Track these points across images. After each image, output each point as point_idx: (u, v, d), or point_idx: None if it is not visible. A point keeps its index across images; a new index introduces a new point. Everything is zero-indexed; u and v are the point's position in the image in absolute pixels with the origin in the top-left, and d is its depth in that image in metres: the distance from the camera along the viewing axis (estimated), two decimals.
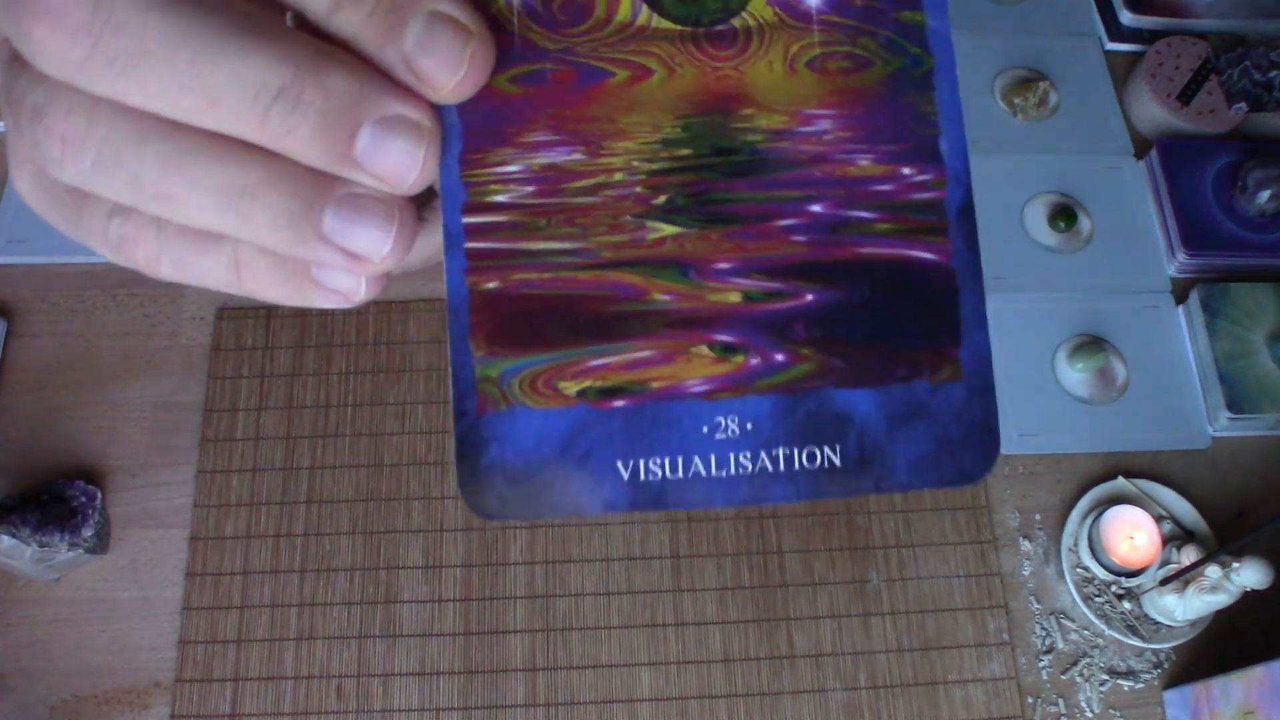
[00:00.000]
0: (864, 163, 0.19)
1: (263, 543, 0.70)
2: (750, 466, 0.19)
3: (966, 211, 0.19)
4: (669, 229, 0.19)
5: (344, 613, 0.69)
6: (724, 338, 0.19)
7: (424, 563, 0.70)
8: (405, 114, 0.17)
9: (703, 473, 0.19)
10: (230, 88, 0.15)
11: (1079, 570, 0.70)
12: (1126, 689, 0.68)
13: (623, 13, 0.19)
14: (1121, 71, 0.90)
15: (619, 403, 0.19)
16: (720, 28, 0.19)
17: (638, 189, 0.19)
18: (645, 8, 0.19)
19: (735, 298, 0.19)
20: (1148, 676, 0.68)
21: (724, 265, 0.19)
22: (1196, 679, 0.65)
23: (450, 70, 0.17)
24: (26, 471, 0.71)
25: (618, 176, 0.19)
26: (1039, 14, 0.92)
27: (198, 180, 0.16)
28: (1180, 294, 0.80)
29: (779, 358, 0.19)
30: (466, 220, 0.19)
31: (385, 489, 0.72)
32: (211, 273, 0.18)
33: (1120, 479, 0.73)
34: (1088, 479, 0.74)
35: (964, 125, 0.20)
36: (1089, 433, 0.75)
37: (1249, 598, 0.62)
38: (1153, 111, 0.86)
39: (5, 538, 0.62)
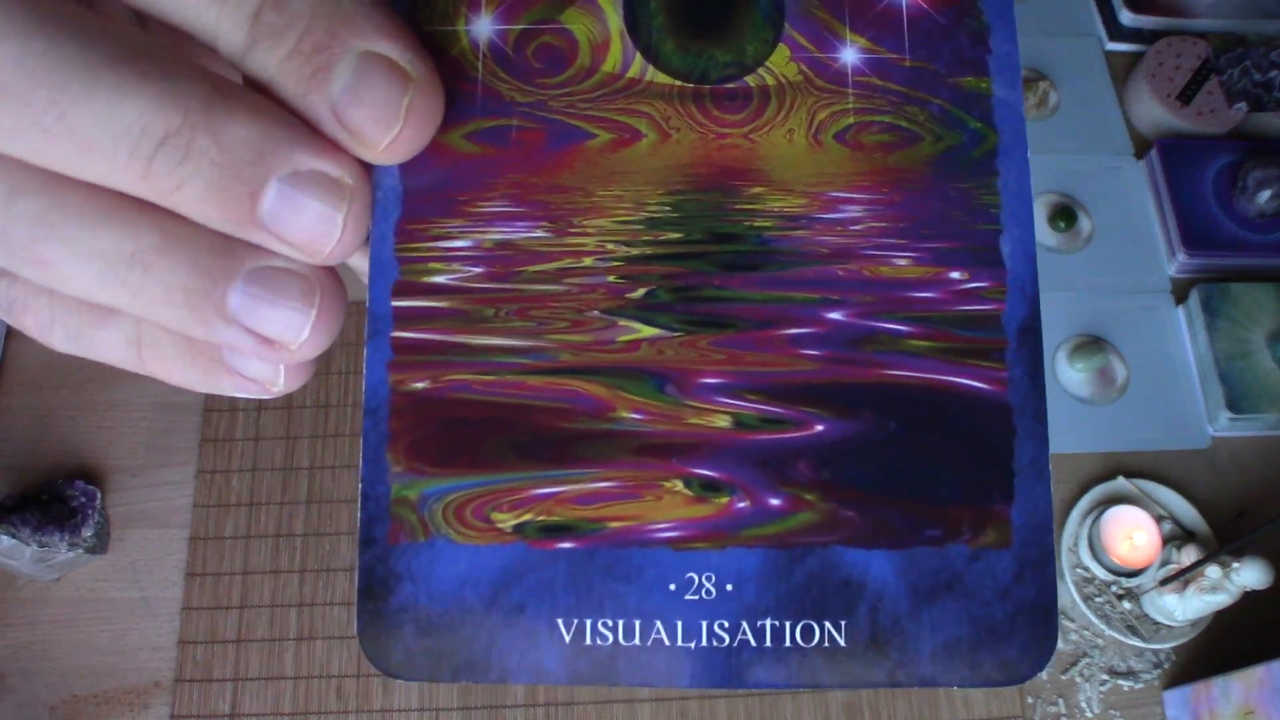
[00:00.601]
0: (901, 262, 0.16)
1: (262, 543, 0.70)
2: (727, 639, 0.15)
3: (1029, 332, 0.16)
4: (646, 330, 0.16)
5: (344, 613, 0.69)
6: (705, 472, 0.15)
7: None
8: (320, 169, 0.14)
9: (665, 642, 0.15)
10: (102, 133, 0.13)
11: (1079, 570, 0.70)
12: (1126, 689, 0.68)
13: (611, 62, 0.16)
14: (1121, 71, 0.90)
15: (566, 544, 0.15)
16: (730, 86, 0.16)
17: (610, 278, 0.16)
18: (640, 57, 0.16)
19: (723, 423, 0.15)
20: (1148, 676, 0.68)
21: (712, 381, 0.16)
22: (1196, 679, 0.65)
23: (383, 125, 0.14)
24: (26, 471, 0.71)
25: (587, 261, 0.16)
26: (1039, 14, 0.92)
27: (77, 244, 0.14)
28: (1180, 294, 0.80)
29: (774, 503, 0.15)
30: (396, 304, 0.16)
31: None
32: (109, 349, 0.16)
33: (1120, 479, 0.73)
34: (1088, 479, 0.74)
35: (1032, 225, 0.16)
36: (1089, 433, 0.75)
37: (1249, 598, 0.62)
38: (1153, 111, 0.86)
39: (5, 538, 0.62)
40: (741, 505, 0.15)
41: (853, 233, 0.16)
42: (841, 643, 0.15)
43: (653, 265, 0.16)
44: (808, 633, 0.15)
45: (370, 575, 0.15)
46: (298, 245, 0.14)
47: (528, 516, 0.15)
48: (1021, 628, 0.15)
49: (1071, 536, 0.71)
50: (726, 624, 0.15)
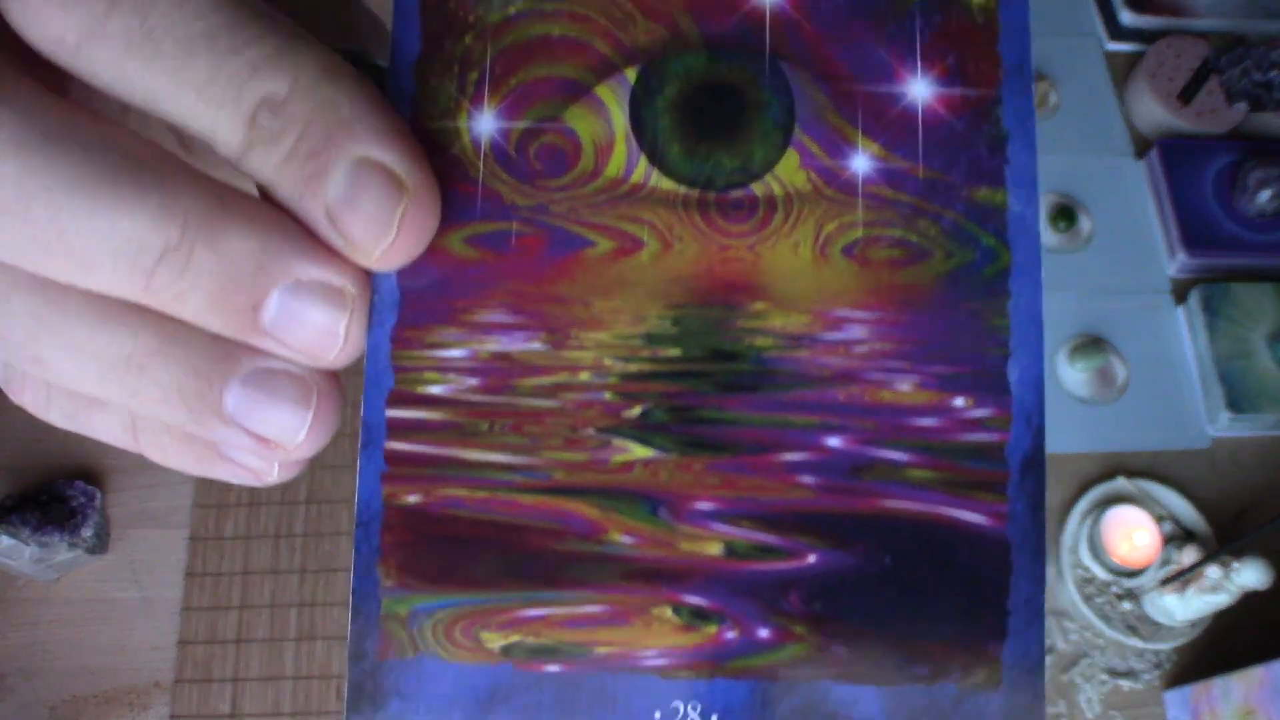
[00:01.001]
0: (904, 387, 0.15)
1: (262, 543, 0.70)
2: None
3: (1033, 465, 0.15)
4: (640, 451, 0.15)
5: (344, 613, 0.69)
6: (695, 600, 0.15)
7: None
8: (322, 278, 0.14)
9: None
10: (102, 249, 0.13)
11: (1079, 570, 0.70)
12: (1126, 689, 0.68)
13: (615, 166, 0.16)
14: (1121, 71, 0.90)
15: (552, 668, 0.15)
16: (736, 194, 0.16)
17: (606, 395, 0.15)
18: (644, 161, 0.16)
19: (715, 550, 0.15)
20: (1148, 676, 0.68)
21: (705, 506, 0.15)
22: (1196, 679, 0.65)
23: (377, 233, 0.14)
24: (26, 471, 0.71)
25: (584, 377, 0.15)
26: (1039, 14, 0.92)
27: (74, 345, 0.13)
28: (1180, 294, 0.80)
29: (764, 634, 0.15)
30: (391, 414, 0.15)
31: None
32: (105, 431, 0.15)
33: (1120, 479, 0.73)
34: (1088, 479, 0.74)
35: (1043, 349, 0.15)
36: (1089, 433, 0.75)
37: (1249, 598, 0.62)
38: (1153, 111, 0.86)
39: (5, 538, 0.62)
40: (730, 635, 0.15)
41: (856, 354, 0.15)
42: None
43: (650, 383, 0.15)
44: None
45: (359, 690, 0.15)
46: (300, 352, 0.14)
47: (516, 638, 0.15)
48: None
49: (1071, 536, 0.71)
50: None
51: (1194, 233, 0.80)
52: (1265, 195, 0.80)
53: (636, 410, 0.15)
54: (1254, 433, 0.76)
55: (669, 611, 0.15)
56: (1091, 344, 0.76)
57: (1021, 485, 0.15)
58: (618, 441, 0.15)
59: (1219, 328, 0.76)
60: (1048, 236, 0.81)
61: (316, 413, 0.15)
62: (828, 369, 0.15)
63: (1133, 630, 0.68)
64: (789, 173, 0.16)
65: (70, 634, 0.67)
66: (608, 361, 0.15)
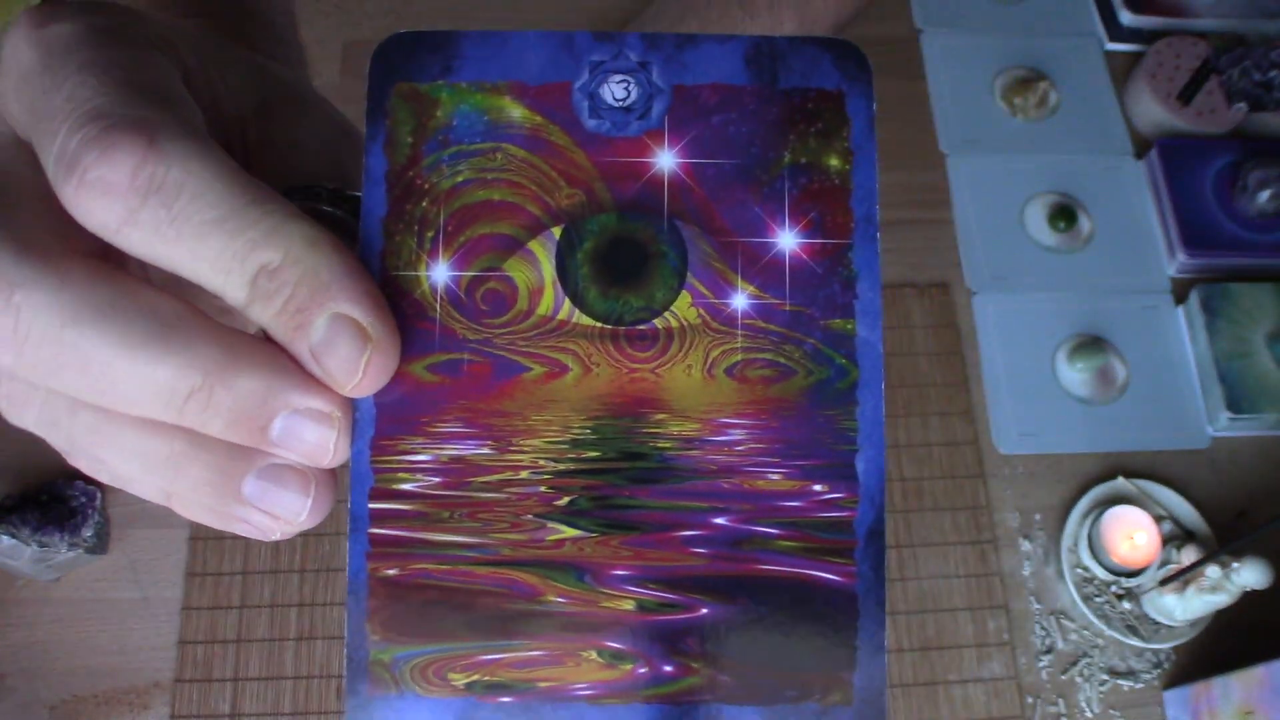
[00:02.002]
0: (774, 477, 0.19)
1: (262, 543, 0.70)
2: None
3: (875, 534, 0.19)
4: (569, 531, 0.19)
5: (344, 613, 0.69)
6: (614, 645, 0.19)
7: None
8: (315, 406, 0.18)
9: None
10: (142, 392, 0.17)
11: (1079, 570, 0.70)
12: (1126, 689, 0.68)
13: (545, 306, 0.19)
14: (1121, 71, 0.90)
15: (505, 699, 0.19)
16: (641, 328, 0.19)
17: (542, 489, 0.19)
18: (568, 302, 0.19)
19: (629, 606, 0.19)
20: (1148, 676, 0.68)
21: (621, 572, 0.19)
22: (1196, 679, 0.65)
23: (348, 372, 0.18)
24: (26, 471, 0.71)
25: (523, 474, 0.19)
26: (1039, 14, 0.92)
27: (125, 448, 0.18)
28: (1180, 294, 0.80)
29: (667, 669, 0.19)
30: (372, 506, 0.19)
31: None
32: (146, 494, 0.19)
33: (1120, 479, 0.73)
34: (1088, 479, 0.74)
35: (884, 444, 0.19)
36: (1089, 433, 0.75)
37: (1249, 598, 0.62)
38: (1153, 111, 0.86)
39: (5, 538, 0.62)
40: (642, 671, 0.19)
41: (737, 452, 0.19)
42: None
43: (575, 479, 0.19)
44: None
45: None
46: (301, 458, 0.18)
47: (476, 676, 0.19)
48: None
49: (1071, 536, 0.71)
50: None
51: (1194, 233, 0.80)
52: (1265, 195, 0.80)
53: (565, 500, 0.19)
54: (1254, 433, 0.76)
55: (595, 654, 0.19)
56: (1091, 344, 0.76)
57: (866, 550, 0.19)
58: (551, 524, 0.19)
59: (1219, 328, 0.76)
60: (1048, 236, 0.82)
61: (316, 497, 0.19)
62: (715, 464, 0.19)
63: (1133, 630, 0.68)
64: (683, 310, 0.20)
65: (70, 634, 0.67)
66: (542, 462, 0.19)
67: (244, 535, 0.19)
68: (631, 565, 0.19)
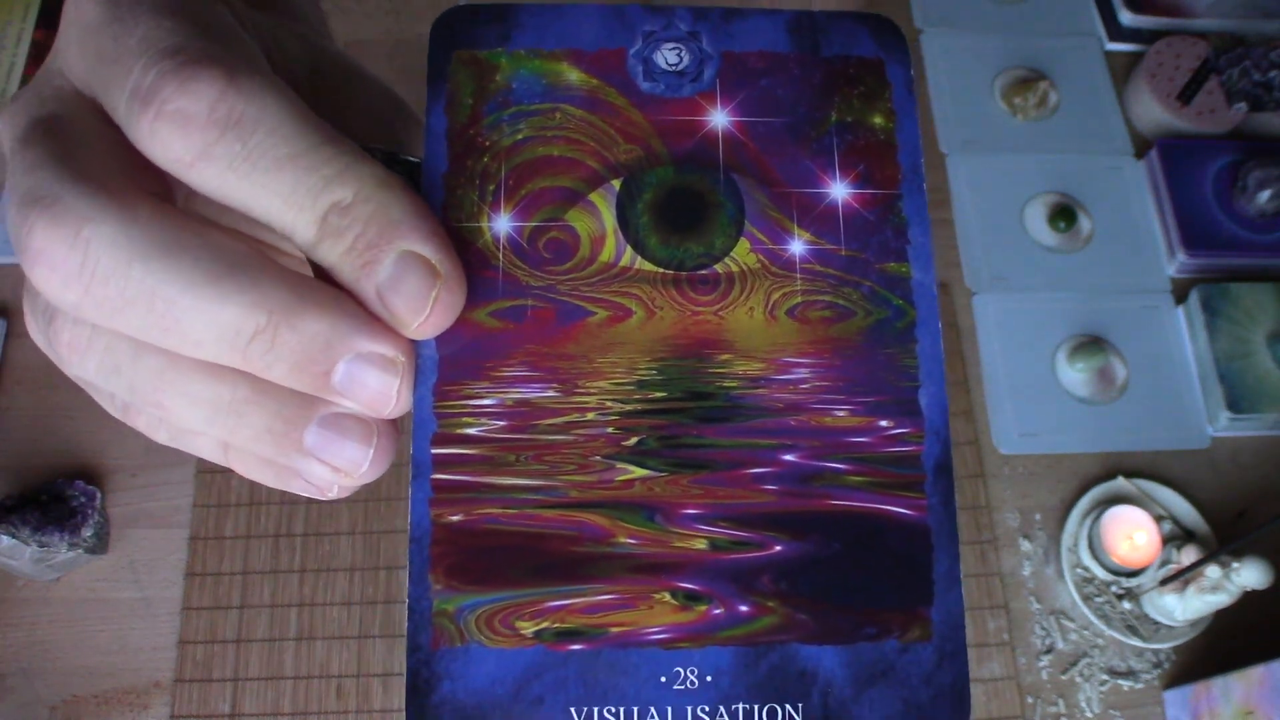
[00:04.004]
0: (840, 414, 0.19)
1: (262, 543, 0.70)
2: None
3: (944, 468, 0.19)
4: (638, 471, 0.19)
5: (344, 613, 0.69)
6: (688, 586, 0.19)
7: None
8: (379, 350, 0.18)
9: None
10: (208, 332, 0.16)
11: (1079, 570, 0.70)
12: (1126, 689, 0.68)
13: (607, 254, 0.20)
14: (1121, 71, 0.90)
15: (576, 646, 0.18)
16: (703, 273, 0.20)
17: (609, 430, 0.19)
18: (629, 250, 0.20)
19: (701, 545, 0.19)
20: (1148, 676, 0.68)
21: (692, 511, 0.19)
22: (1196, 679, 0.65)
23: (415, 310, 0.18)
24: (26, 471, 0.71)
25: (590, 416, 0.19)
26: (1039, 14, 0.92)
27: (188, 394, 0.17)
28: (1180, 294, 0.80)
29: (743, 609, 0.19)
30: (435, 451, 0.19)
31: (385, 489, 0.72)
32: (204, 450, 0.19)
33: (1120, 479, 0.73)
34: (1088, 479, 0.74)
35: (945, 380, 0.20)
36: (1089, 433, 0.75)
37: (1249, 598, 0.62)
38: (1153, 111, 0.86)
39: (5, 538, 0.62)
40: (717, 612, 0.19)
41: (802, 390, 0.19)
42: None
43: (643, 419, 0.19)
44: (772, 714, 0.18)
45: (416, 675, 0.18)
46: (363, 406, 0.18)
47: (545, 624, 0.18)
48: (943, 706, 0.19)
49: (1071, 536, 0.71)
50: (707, 709, 0.18)
51: (1194, 233, 0.80)
52: (1265, 195, 0.80)
53: (633, 440, 0.19)
54: (1254, 433, 0.76)
55: (667, 596, 0.19)
56: (1091, 344, 0.76)
57: (935, 484, 0.19)
58: (620, 465, 0.19)
59: (1219, 328, 0.76)
60: (1048, 236, 0.82)
61: (377, 449, 0.18)
62: (781, 402, 0.19)
63: (1133, 630, 0.68)
64: (742, 255, 0.20)
65: (70, 634, 0.67)
66: (608, 403, 0.19)
67: (300, 493, 0.19)
68: (702, 504, 0.19)
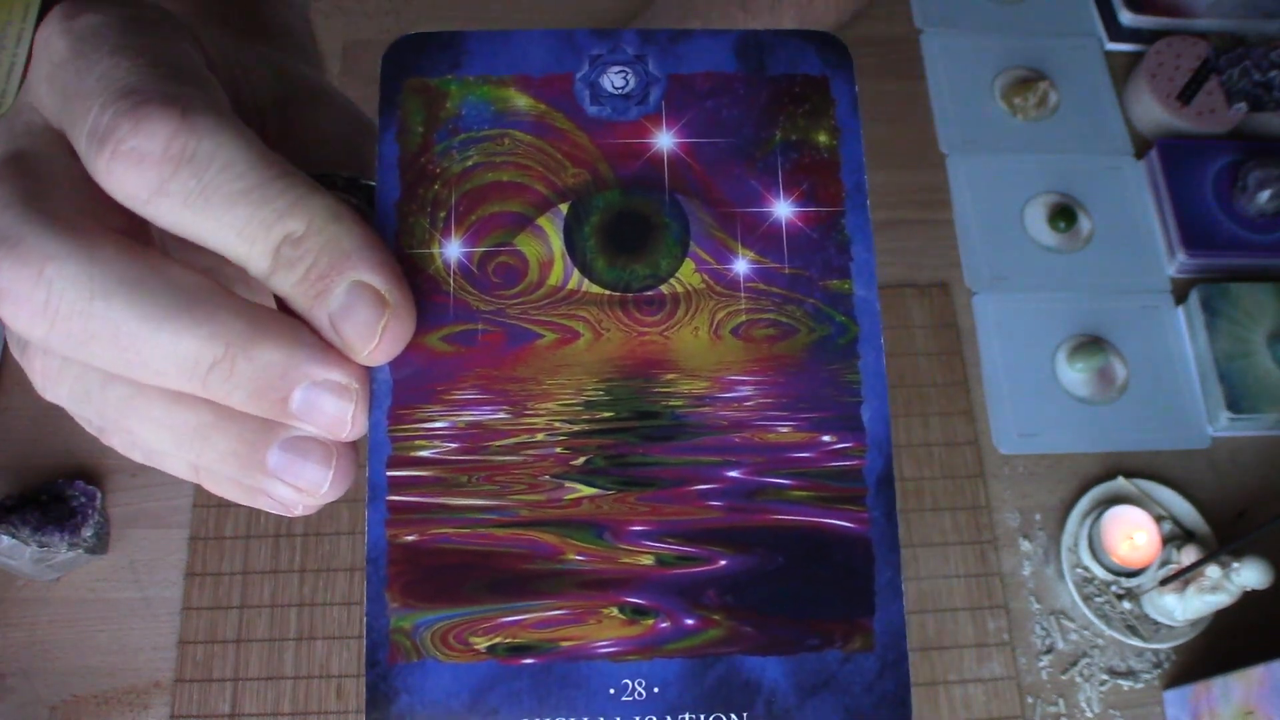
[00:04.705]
0: (784, 430, 0.20)
1: (262, 543, 0.70)
2: None
3: (885, 481, 0.20)
4: (586, 490, 0.19)
5: (344, 613, 0.69)
6: (634, 600, 0.19)
7: None
8: (333, 378, 0.18)
9: None
10: (168, 363, 0.17)
11: (1079, 570, 0.70)
12: (1126, 689, 0.68)
13: (555, 277, 0.20)
14: (1121, 71, 0.90)
15: (528, 660, 0.19)
16: (648, 294, 0.20)
17: (558, 450, 0.19)
18: (577, 273, 0.20)
19: (648, 561, 0.19)
20: (1148, 676, 0.68)
21: (638, 528, 0.19)
22: (1196, 679, 0.65)
23: (365, 338, 0.18)
24: (26, 471, 0.71)
25: (539, 437, 0.19)
26: (1039, 14, 0.92)
27: (154, 420, 0.18)
28: (1180, 294, 0.80)
29: (689, 622, 0.19)
30: (390, 474, 0.19)
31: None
32: (176, 470, 0.20)
33: (1120, 479, 0.73)
34: (1088, 479, 0.74)
35: (887, 394, 0.20)
36: (1089, 433, 0.75)
37: (1249, 598, 0.62)
38: (1153, 111, 0.86)
39: (5, 538, 0.62)
40: (664, 625, 0.19)
41: (746, 407, 0.20)
42: None
43: (590, 439, 0.20)
44: None
45: (375, 690, 0.19)
46: (321, 430, 0.19)
47: (498, 640, 0.19)
48: (884, 713, 0.19)
49: (1071, 536, 0.71)
50: (654, 719, 0.19)
51: (1194, 233, 0.80)
52: (1265, 195, 0.80)
53: (581, 460, 0.19)
54: (1254, 433, 0.76)
55: (615, 611, 0.19)
56: (1091, 344, 0.76)
57: (877, 497, 0.20)
58: (568, 484, 0.19)
59: (1219, 328, 0.76)
60: (1048, 236, 0.82)
61: (337, 470, 0.19)
62: (726, 420, 0.20)
63: (1133, 630, 0.68)
64: (687, 276, 0.20)
65: (70, 634, 0.67)
66: (557, 424, 0.20)
67: (268, 510, 0.20)
68: (649, 520, 0.19)
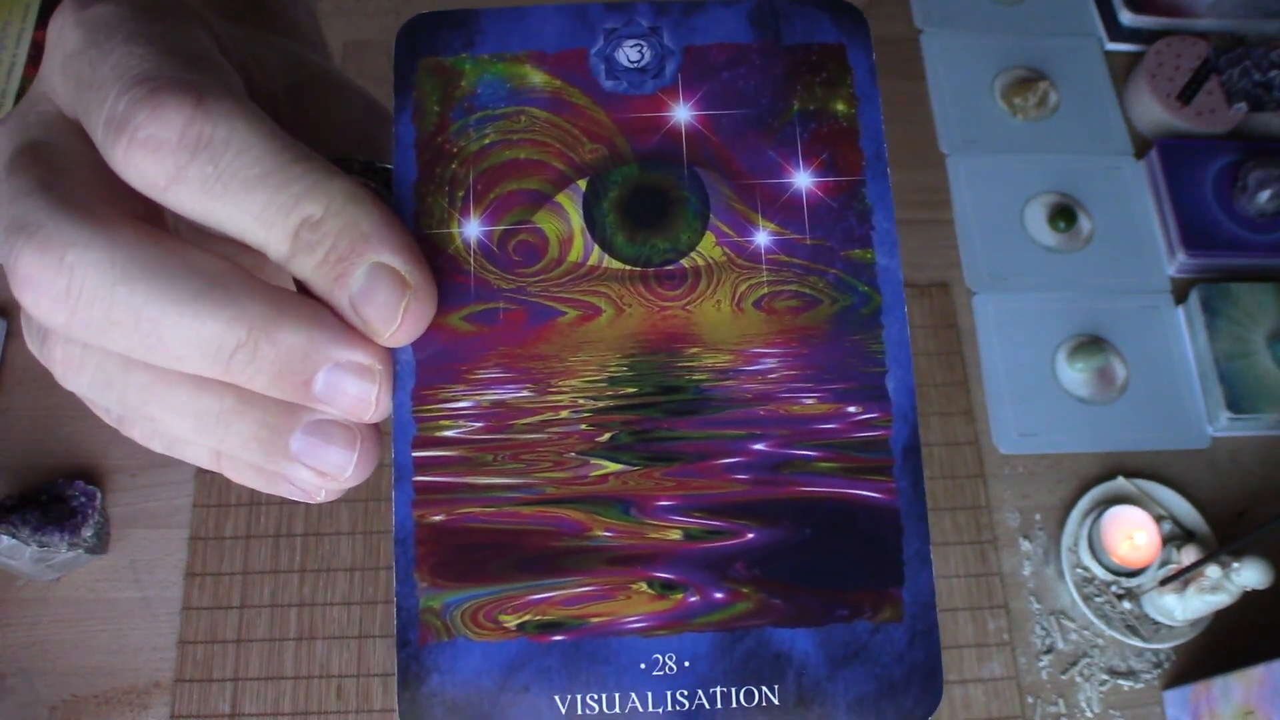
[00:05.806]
0: (809, 401, 0.20)
1: (262, 543, 0.70)
2: (687, 704, 0.19)
3: (912, 450, 0.20)
4: (612, 466, 0.19)
5: (344, 613, 0.69)
6: (663, 575, 0.19)
7: None
8: (356, 359, 0.18)
9: (640, 709, 0.19)
10: (191, 348, 0.17)
11: (1079, 570, 0.70)
12: (1126, 689, 0.68)
13: (575, 254, 0.20)
14: (1121, 71, 0.90)
15: (558, 637, 0.19)
16: (669, 268, 0.20)
17: (583, 426, 0.19)
18: (597, 249, 0.20)
19: (676, 536, 0.19)
20: (1148, 676, 0.68)
21: (665, 503, 0.19)
22: (1196, 679, 0.65)
23: (386, 320, 0.18)
24: (26, 471, 0.71)
25: (564, 414, 0.19)
26: (1039, 14, 0.92)
27: (176, 406, 0.18)
28: (1180, 294, 0.80)
29: (718, 596, 0.19)
30: (416, 455, 0.19)
31: (385, 489, 0.72)
32: (197, 458, 0.20)
33: (1120, 479, 0.73)
34: (1088, 479, 0.74)
35: (912, 364, 0.20)
36: (1089, 433, 0.75)
37: (1249, 598, 0.62)
38: (1153, 111, 0.86)
39: (5, 538, 0.62)
40: (693, 600, 0.19)
41: (770, 380, 0.20)
42: (776, 702, 0.19)
43: (615, 415, 0.19)
44: (749, 696, 0.19)
45: (406, 670, 0.19)
46: (344, 413, 0.19)
47: (527, 617, 0.19)
48: (915, 683, 0.19)
49: (1071, 536, 0.71)
50: (685, 693, 0.19)
51: (1194, 233, 0.80)
52: (1265, 195, 0.80)
53: (606, 436, 0.19)
54: (1254, 433, 0.76)
55: (644, 586, 0.19)
56: (1091, 344, 0.76)
57: (904, 467, 0.19)
58: (594, 460, 0.19)
59: (1219, 328, 0.76)
60: (1048, 236, 0.82)
61: (361, 453, 0.19)
62: (750, 393, 0.20)
63: (1133, 630, 0.68)
64: (708, 249, 0.20)
65: (70, 634, 0.67)
66: (581, 401, 0.19)
67: (290, 497, 0.20)
68: (675, 495, 0.19)
